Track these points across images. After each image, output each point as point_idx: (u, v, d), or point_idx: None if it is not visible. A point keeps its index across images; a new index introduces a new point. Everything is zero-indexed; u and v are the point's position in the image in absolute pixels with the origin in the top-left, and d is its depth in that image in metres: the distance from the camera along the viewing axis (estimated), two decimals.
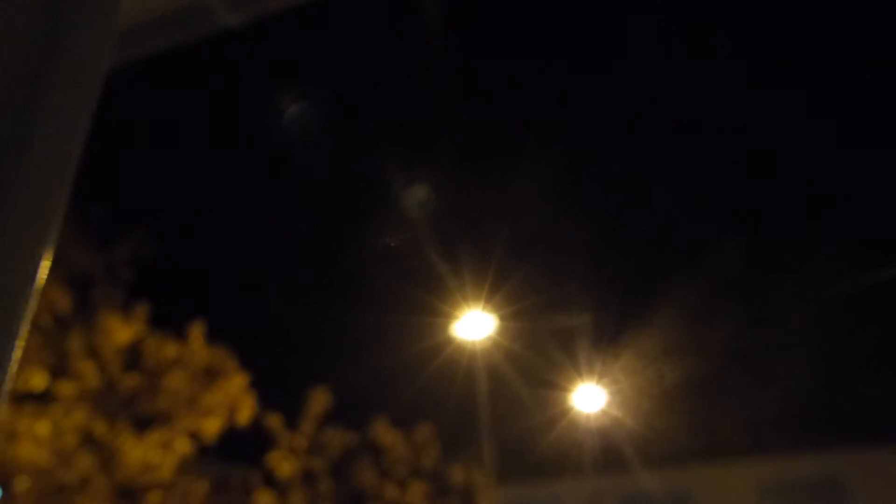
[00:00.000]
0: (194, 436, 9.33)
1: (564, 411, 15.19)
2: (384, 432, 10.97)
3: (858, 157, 12.05)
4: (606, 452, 15.84)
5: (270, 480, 10.36)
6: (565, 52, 11.32)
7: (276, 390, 11.02)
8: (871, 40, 10.23)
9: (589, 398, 14.95)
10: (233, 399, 9.50)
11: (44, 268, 1.12)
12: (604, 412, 15.28)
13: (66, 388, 8.56)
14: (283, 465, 10.23)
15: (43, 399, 8.64)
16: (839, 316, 13.97)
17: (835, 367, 14.41)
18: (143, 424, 9.29)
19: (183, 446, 9.20)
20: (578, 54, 11.30)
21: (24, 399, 8.43)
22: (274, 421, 10.29)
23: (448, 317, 12.48)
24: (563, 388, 14.83)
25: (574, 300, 14.25)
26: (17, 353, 1.04)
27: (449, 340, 12.69)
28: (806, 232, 13.05)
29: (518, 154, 12.81)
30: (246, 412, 9.70)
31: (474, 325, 12.55)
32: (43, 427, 8.32)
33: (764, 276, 14.56)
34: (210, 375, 9.40)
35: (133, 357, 9.26)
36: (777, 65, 10.98)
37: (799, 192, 12.85)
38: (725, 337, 15.44)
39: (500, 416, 13.42)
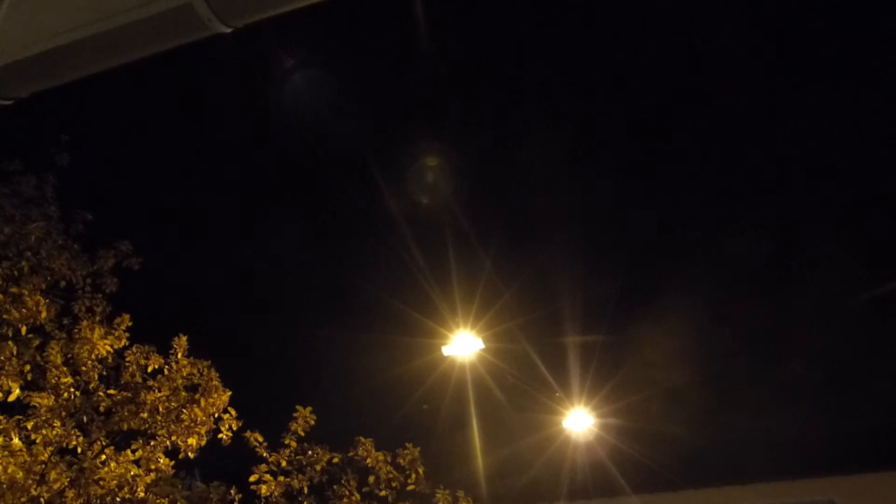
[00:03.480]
0: (174, 452, 9.10)
1: (554, 434, 15.01)
2: (369, 452, 10.76)
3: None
4: (596, 476, 15.65)
5: (251, 499, 10.13)
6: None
7: (259, 407, 10.81)
8: None
9: (579, 420, 14.79)
10: (215, 415, 9.28)
11: None
12: (594, 434, 15.12)
13: (42, 401, 8.32)
14: (265, 483, 10.00)
15: (17, 411, 8.40)
16: (833, 340, 13.93)
17: (827, 390, 14.34)
18: (121, 439, 9.07)
19: (161, 463, 8.97)
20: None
21: None
22: (256, 439, 10.08)
23: (437, 337, 12.33)
24: (554, 411, 14.67)
25: (564, 320, 14.16)
26: None
27: (438, 362, 12.53)
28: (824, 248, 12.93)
29: (509, 167, 12.74)
30: (228, 429, 9.48)
31: (463, 346, 12.40)
32: (16, 440, 8.08)
33: (760, 296, 14.52)
34: (192, 391, 9.18)
35: (114, 370, 9.04)
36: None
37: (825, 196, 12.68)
38: (718, 358, 15.36)
39: (489, 439, 13.24)
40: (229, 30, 2.33)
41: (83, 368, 8.69)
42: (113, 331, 8.93)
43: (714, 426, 15.28)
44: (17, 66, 2.46)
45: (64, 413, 8.50)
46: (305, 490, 10.28)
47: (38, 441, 8.32)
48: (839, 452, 14.60)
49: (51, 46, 2.42)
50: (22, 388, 8.38)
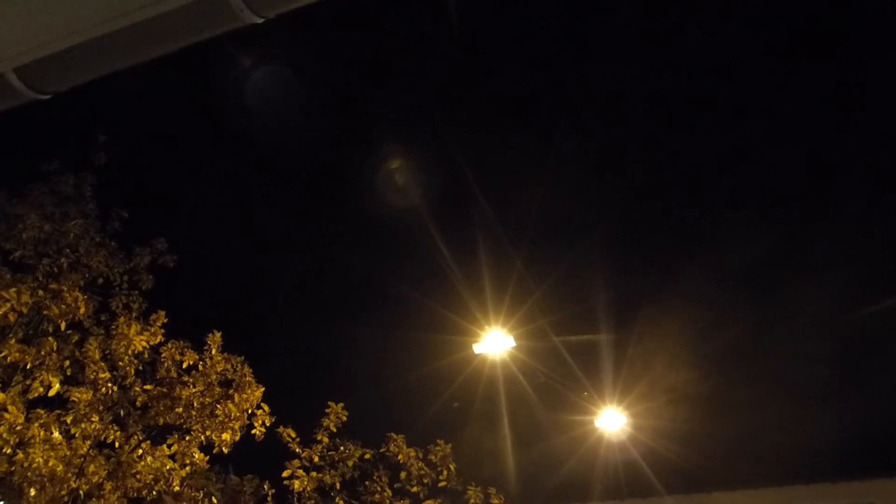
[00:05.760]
0: (208, 447, 9.21)
1: (587, 433, 14.89)
2: (400, 448, 10.77)
3: None
4: (629, 476, 15.48)
5: (284, 494, 10.20)
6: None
7: (292, 403, 10.89)
8: None
9: (612, 420, 14.64)
10: (248, 411, 9.36)
11: None
12: (627, 434, 14.96)
13: (81, 395, 8.48)
14: (297, 478, 10.07)
15: (57, 405, 8.58)
16: (873, 336, 13.64)
17: (869, 390, 14.02)
18: (157, 433, 9.20)
19: (196, 457, 9.08)
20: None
21: (39, 405, 8.37)
22: (288, 434, 10.15)
23: (469, 335, 12.31)
24: (586, 410, 14.55)
25: (596, 317, 14.04)
26: None
27: (469, 359, 12.50)
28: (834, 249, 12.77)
29: (539, 166, 12.68)
30: (261, 424, 9.57)
31: (495, 344, 12.35)
32: (56, 433, 8.25)
33: (798, 291, 14.25)
34: (226, 386, 9.28)
35: (150, 365, 9.18)
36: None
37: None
38: (754, 355, 15.10)
39: (520, 437, 13.18)
40: (261, 20, 2.33)
41: (120, 364, 8.84)
42: (149, 327, 9.07)
43: (751, 427, 15.02)
44: (53, 59, 2.48)
45: (102, 407, 8.66)
46: (337, 486, 10.33)
47: (77, 435, 8.49)
48: (880, 455, 14.26)
49: (87, 38, 2.44)
50: (61, 383, 8.56)
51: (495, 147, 12.45)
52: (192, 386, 9.08)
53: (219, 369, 9.24)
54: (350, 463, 10.41)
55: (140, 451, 8.87)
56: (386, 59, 11.52)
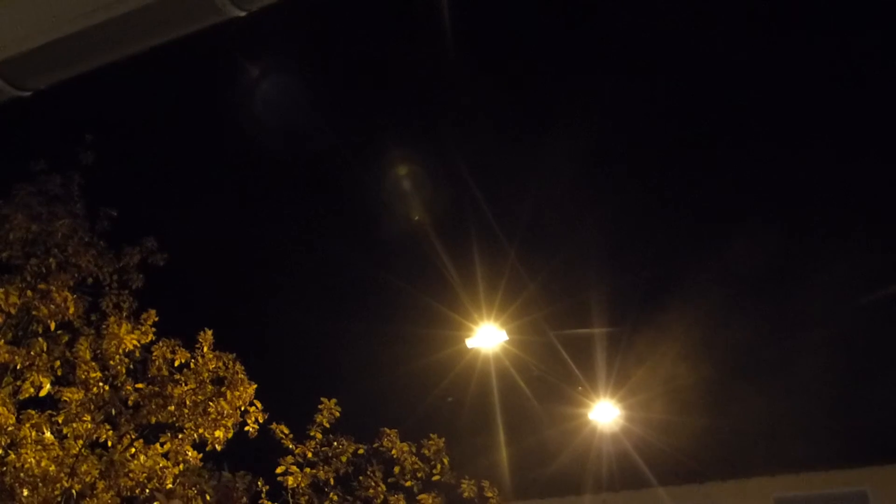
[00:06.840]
0: (202, 445, 9.19)
1: (580, 426, 14.93)
2: (394, 443, 10.79)
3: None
4: (623, 468, 15.54)
5: (278, 490, 10.21)
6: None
7: (285, 400, 10.88)
8: None
9: (605, 412, 14.69)
10: (241, 408, 9.35)
11: None
12: (620, 426, 15.01)
13: (73, 395, 8.45)
14: (291, 475, 10.07)
15: (49, 406, 8.55)
16: (863, 325, 13.71)
17: (858, 379, 14.12)
18: (150, 432, 9.18)
19: (190, 455, 9.06)
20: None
21: (30, 405, 8.34)
22: (282, 431, 10.14)
23: (461, 330, 12.32)
24: (579, 402, 14.59)
25: (589, 311, 14.08)
26: None
27: (462, 354, 12.53)
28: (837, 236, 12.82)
29: (532, 159, 12.68)
30: (254, 422, 9.55)
31: (488, 337, 12.37)
32: (48, 434, 8.22)
33: (787, 283, 14.32)
34: (218, 384, 9.26)
35: (141, 364, 9.15)
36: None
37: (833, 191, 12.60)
38: (744, 347, 15.17)
39: (513, 430, 13.22)
40: (243, 13, 2.31)
41: (111, 363, 8.82)
42: (140, 326, 9.04)
43: (743, 417, 15.10)
44: (32, 55, 2.46)
45: (93, 407, 8.64)
46: (331, 481, 10.33)
47: (69, 435, 8.47)
48: (871, 442, 14.35)
49: (65, 33, 2.41)
50: (52, 384, 8.53)
51: (488, 140, 12.44)
52: (184, 384, 9.05)
53: (211, 367, 9.21)
54: (344, 458, 10.42)
55: (133, 450, 8.85)
56: (380, 57, 11.50)
